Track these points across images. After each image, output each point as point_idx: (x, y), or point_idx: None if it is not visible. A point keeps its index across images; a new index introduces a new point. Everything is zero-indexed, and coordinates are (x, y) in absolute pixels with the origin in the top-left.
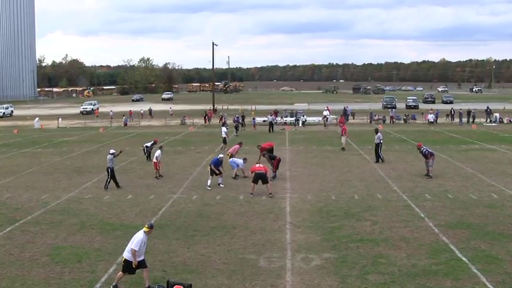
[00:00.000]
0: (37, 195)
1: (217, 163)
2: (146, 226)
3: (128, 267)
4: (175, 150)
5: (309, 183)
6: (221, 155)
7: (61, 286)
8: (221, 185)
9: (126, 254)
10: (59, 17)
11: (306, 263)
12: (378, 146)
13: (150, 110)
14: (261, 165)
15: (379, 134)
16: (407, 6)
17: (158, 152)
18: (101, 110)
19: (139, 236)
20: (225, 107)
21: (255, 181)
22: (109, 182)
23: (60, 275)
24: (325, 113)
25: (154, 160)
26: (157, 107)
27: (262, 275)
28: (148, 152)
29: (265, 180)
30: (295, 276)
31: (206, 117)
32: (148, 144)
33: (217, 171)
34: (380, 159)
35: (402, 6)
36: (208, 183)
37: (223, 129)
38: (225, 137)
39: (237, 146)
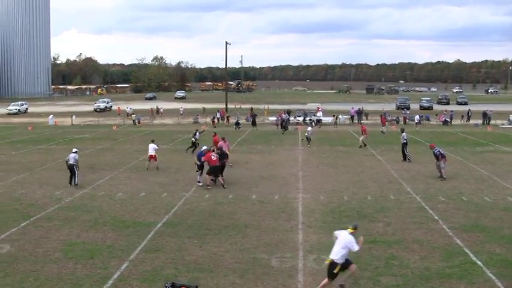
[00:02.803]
0: (51, 191)
1: (201, 154)
2: (351, 227)
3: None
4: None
5: (321, 184)
6: (205, 147)
7: (74, 282)
8: (200, 184)
9: (336, 257)
10: (73, 15)
11: (318, 263)
12: (404, 146)
13: (157, 109)
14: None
15: (404, 134)
16: (422, 6)
17: (153, 146)
18: (123, 107)
19: (350, 237)
20: (238, 106)
21: (210, 173)
22: (76, 177)
23: (73, 271)
24: (319, 113)
25: (152, 153)
26: (170, 105)
27: (274, 275)
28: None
29: (218, 173)
30: (307, 276)
31: (214, 119)
32: (197, 135)
33: (198, 165)
34: (407, 159)
35: (417, 6)
36: (198, 179)
37: (309, 129)
38: (308, 136)
39: (221, 142)
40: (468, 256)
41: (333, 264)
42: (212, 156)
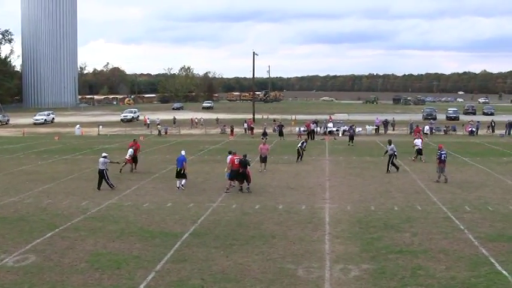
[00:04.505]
0: (77, 201)
1: (183, 160)
2: None
3: None
4: (215, 159)
5: (348, 194)
6: (183, 152)
7: None
8: (182, 188)
9: None
10: (101, 25)
11: (344, 273)
12: (391, 157)
13: (174, 119)
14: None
15: (392, 145)
16: (449, 17)
17: (130, 151)
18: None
19: None
20: (265, 116)
21: (232, 178)
22: (109, 180)
23: (99, 282)
24: (329, 125)
25: (127, 157)
26: (198, 115)
27: (301, 285)
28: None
29: (239, 177)
30: (334, 286)
31: (232, 131)
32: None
33: (183, 171)
34: (389, 170)
35: (444, 16)
36: (178, 184)
37: (418, 141)
38: (419, 148)
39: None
40: (494, 266)
41: None
42: (235, 160)
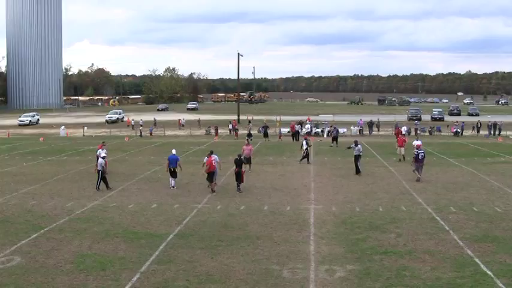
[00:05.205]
0: (62, 202)
1: (177, 159)
2: None
3: None
4: (200, 161)
5: (333, 195)
6: (174, 151)
7: None
8: (174, 188)
9: None
10: (87, 26)
11: (329, 274)
12: (357, 158)
13: (154, 120)
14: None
15: (359, 146)
16: (434, 17)
17: (103, 151)
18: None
19: None
20: (250, 117)
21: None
22: (100, 182)
23: (84, 283)
24: (307, 126)
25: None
26: (182, 116)
27: (286, 286)
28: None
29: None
30: (319, 287)
31: (217, 131)
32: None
33: (177, 170)
34: (359, 171)
35: (429, 17)
36: (172, 184)
37: (417, 142)
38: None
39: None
40: (479, 266)
41: None
42: (212, 162)
